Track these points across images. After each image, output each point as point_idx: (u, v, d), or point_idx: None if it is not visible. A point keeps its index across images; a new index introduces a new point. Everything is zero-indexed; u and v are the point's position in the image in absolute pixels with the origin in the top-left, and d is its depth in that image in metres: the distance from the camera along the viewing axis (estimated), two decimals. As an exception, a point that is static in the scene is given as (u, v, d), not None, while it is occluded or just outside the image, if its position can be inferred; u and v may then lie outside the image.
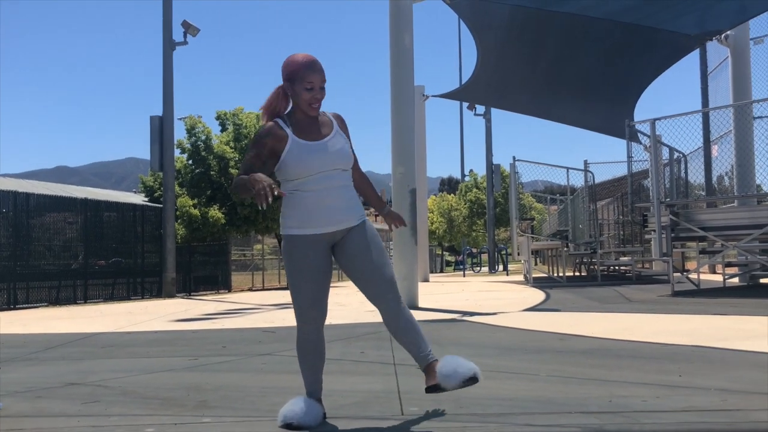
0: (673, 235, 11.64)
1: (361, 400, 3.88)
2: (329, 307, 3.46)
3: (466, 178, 49.58)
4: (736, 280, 14.15)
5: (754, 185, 13.65)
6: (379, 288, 3.32)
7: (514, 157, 17.31)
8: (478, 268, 34.22)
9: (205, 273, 23.75)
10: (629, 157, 13.55)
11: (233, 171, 23.28)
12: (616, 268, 20.13)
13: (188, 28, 19.86)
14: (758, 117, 13.66)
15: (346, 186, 3.35)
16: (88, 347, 7.07)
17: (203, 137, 24.39)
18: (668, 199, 12.16)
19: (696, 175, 14.58)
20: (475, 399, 3.80)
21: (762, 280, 13.84)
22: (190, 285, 22.51)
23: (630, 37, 15.57)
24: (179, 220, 22.02)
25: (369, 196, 3.67)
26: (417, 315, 9.55)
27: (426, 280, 21.95)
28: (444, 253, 57.75)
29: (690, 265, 17.73)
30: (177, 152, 22.45)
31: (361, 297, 3.58)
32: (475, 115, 33.26)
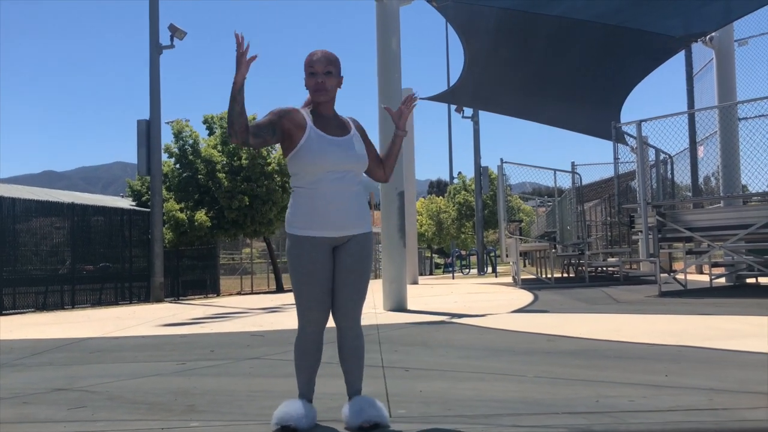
0: (660, 235, 11.70)
1: (349, 403, 3.87)
2: None
3: (455, 181, 49.69)
4: (722, 280, 14.25)
5: (740, 186, 13.75)
6: (343, 308, 3.34)
7: (501, 159, 17.36)
8: (467, 270, 34.24)
9: (193, 277, 23.68)
10: (616, 158, 13.60)
11: (221, 175, 23.24)
12: (604, 269, 20.22)
13: (175, 32, 19.81)
14: (743, 118, 13.74)
15: (357, 193, 3.35)
16: (76, 352, 7.03)
17: (190, 141, 24.32)
18: (655, 200, 12.22)
19: (682, 176, 14.68)
20: (462, 401, 3.81)
21: (748, 280, 13.93)
22: (179, 289, 22.43)
23: (616, 40, 15.65)
24: (166, 225, 21.93)
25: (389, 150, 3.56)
26: (406, 317, 9.56)
27: (415, 282, 21.95)
28: (433, 255, 57.82)
29: (677, 265, 17.81)
30: (164, 156, 22.37)
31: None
32: (463, 117, 33.31)
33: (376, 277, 24.66)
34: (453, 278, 27.97)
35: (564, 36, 15.88)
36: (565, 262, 21.22)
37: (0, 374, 5.51)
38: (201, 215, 22.82)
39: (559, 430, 3.18)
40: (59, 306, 17.30)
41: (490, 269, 31.03)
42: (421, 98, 24.12)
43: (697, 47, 17.30)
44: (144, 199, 24.10)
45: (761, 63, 17.24)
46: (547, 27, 15.41)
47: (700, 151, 15.54)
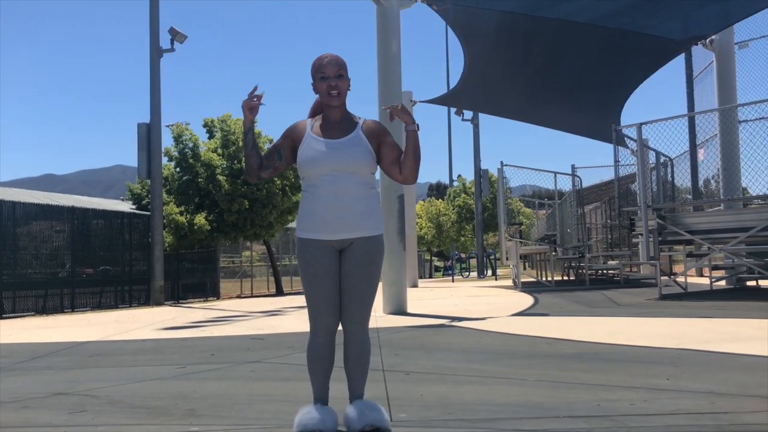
0: (660, 238, 11.69)
1: (349, 407, 3.86)
2: None
3: (455, 184, 49.67)
4: (722, 282, 14.24)
5: (740, 189, 13.75)
6: (347, 312, 3.30)
7: (501, 162, 17.38)
8: (467, 273, 34.25)
9: (193, 280, 23.66)
10: (616, 161, 13.62)
11: (221, 178, 23.23)
12: (604, 272, 20.21)
13: (175, 35, 19.82)
14: (743, 121, 13.74)
15: (360, 195, 3.28)
16: (76, 356, 7.02)
17: (190, 145, 24.31)
18: (655, 203, 12.22)
19: (682, 179, 14.68)
20: (463, 404, 3.80)
21: (748, 283, 13.93)
22: (179, 293, 22.41)
23: (616, 42, 15.64)
24: (166, 228, 21.93)
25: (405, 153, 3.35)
26: (406, 321, 9.53)
27: (415, 285, 21.95)
28: (433, 258, 57.80)
29: (677, 268, 17.81)
30: (164, 160, 22.37)
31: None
32: (463, 120, 33.30)
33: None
34: (453, 281, 27.96)
35: (564, 39, 15.88)
36: (566, 265, 21.21)
37: (0, 378, 5.50)
38: (201, 219, 22.80)
39: (559, 434, 3.17)
40: (59, 309, 17.29)
41: (490, 272, 31.04)
42: (420, 101, 24.29)
43: (698, 50, 17.32)
44: (144, 202, 24.08)
45: (762, 66, 17.26)
46: (547, 30, 15.41)
47: (701, 153, 15.54)
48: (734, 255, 12.57)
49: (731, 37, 16.39)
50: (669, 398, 3.78)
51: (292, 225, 29.28)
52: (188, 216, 22.84)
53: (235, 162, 23.61)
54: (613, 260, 20.14)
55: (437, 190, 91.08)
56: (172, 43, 19.93)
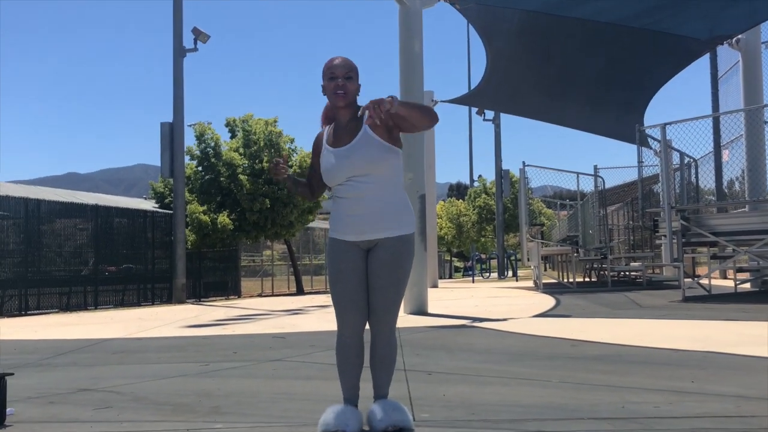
0: (683, 240, 11.59)
1: (372, 406, 3.86)
2: None
3: (475, 184, 49.53)
4: (747, 285, 14.07)
5: (766, 190, 13.58)
6: (374, 312, 3.29)
7: (524, 162, 17.30)
8: (488, 274, 34.15)
9: (214, 279, 23.80)
10: (640, 161, 13.50)
11: (242, 177, 23.35)
12: (627, 273, 20.05)
13: (198, 35, 19.95)
14: (770, 121, 13.59)
15: (382, 196, 3.24)
16: (99, 353, 7.09)
17: (212, 144, 24.47)
18: (679, 204, 12.10)
19: (706, 180, 14.52)
20: (486, 405, 3.79)
21: (774, 286, 13.74)
22: (200, 291, 22.56)
23: (640, 42, 15.52)
24: (189, 227, 22.08)
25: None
26: (427, 321, 9.53)
27: (435, 286, 21.92)
28: (453, 259, 57.67)
29: (701, 270, 17.64)
30: (186, 159, 22.52)
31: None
32: (484, 120, 33.19)
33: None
34: (473, 282, 27.89)
35: (588, 38, 15.79)
36: (587, 266, 21.07)
37: (26, 374, 5.57)
38: (224, 218, 22.95)
39: (584, 436, 3.15)
40: (82, 307, 17.46)
41: (510, 273, 30.91)
42: (442, 101, 24.24)
43: (723, 49, 17.11)
44: (167, 201, 24.27)
45: (789, 66, 17.01)
46: (570, 29, 15.33)
47: (725, 154, 15.38)
48: (759, 257, 12.41)
49: (758, 37, 16.17)
50: (695, 401, 3.74)
51: (313, 225, 29.39)
52: (211, 215, 22.99)
53: (256, 161, 23.73)
54: (635, 262, 19.97)
55: (457, 191, 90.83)
56: (195, 42, 20.07)
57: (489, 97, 22.14)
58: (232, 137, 25.22)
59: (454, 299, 14.59)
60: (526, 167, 17.37)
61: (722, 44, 16.26)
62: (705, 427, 3.21)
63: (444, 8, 14.05)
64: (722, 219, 12.39)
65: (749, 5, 13.93)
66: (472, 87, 23.51)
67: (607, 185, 20.14)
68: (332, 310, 3.39)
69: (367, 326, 3.34)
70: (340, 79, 3.27)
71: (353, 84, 3.30)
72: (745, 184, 14.21)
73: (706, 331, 7.03)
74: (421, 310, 10.66)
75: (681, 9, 13.81)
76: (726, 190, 15.07)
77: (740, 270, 14.22)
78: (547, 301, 12.32)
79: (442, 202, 54.20)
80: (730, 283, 14.14)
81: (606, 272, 17.88)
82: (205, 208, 23.19)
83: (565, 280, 19.21)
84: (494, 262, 35.36)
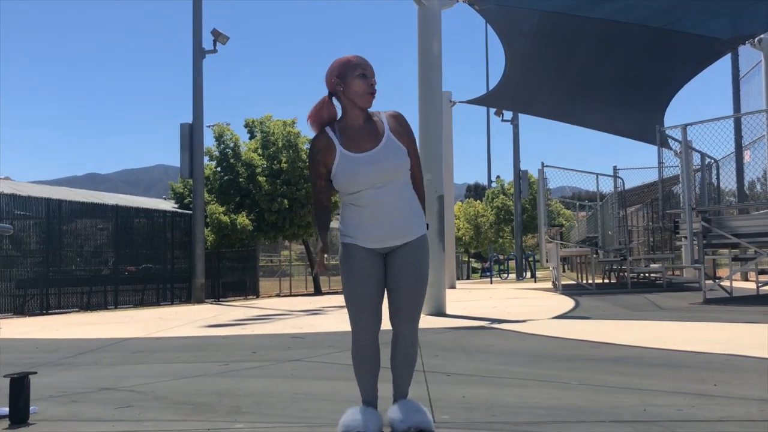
0: (704, 241, 11.48)
1: (392, 407, 3.86)
2: None
3: (493, 185, 49.37)
4: (769, 287, 13.90)
5: (788, 191, 13.42)
6: (401, 313, 3.26)
7: (542, 163, 17.19)
8: (506, 275, 34.01)
9: (233, 279, 23.93)
10: (660, 162, 13.39)
11: (261, 178, 23.45)
12: (646, 275, 19.90)
13: (218, 36, 20.06)
14: (793, 122, 13.40)
15: (402, 198, 3.19)
16: (120, 352, 7.15)
17: (231, 145, 24.60)
18: (700, 206, 11.99)
19: (728, 181, 14.37)
20: (506, 407, 3.78)
21: (797, 288, 13.57)
22: (219, 291, 22.69)
23: (661, 42, 15.41)
24: (209, 227, 22.21)
25: None
26: (445, 322, 9.51)
27: (453, 286, 21.87)
28: (470, 259, 57.52)
29: (722, 272, 17.45)
30: (206, 159, 22.66)
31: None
32: (503, 121, 33.11)
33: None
34: (491, 283, 27.80)
35: (608, 38, 15.70)
36: (607, 267, 20.93)
37: (48, 373, 5.62)
38: (243, 218, 23.07)
39: (605, 439, 3.13)
40: (102, 306, 17.62)
41: (528, 274, 30.78)
42: (460, 102, 24.19)
43: (745, 49, 16.95)
44: (186, 201, 24.43)
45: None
46: (590, 29, 15.25)
47: (747, 155, 15.21)
48: (782, 259, 12.28)
49: (781, 37, 16.02)
50: (718, 404, 3.71)
51: (331, 225, 29.41)
52: (230, 215, 23.12)
53: (275, 162, 23.82)
54: (655, 263, 19.82)
55: (475, 191, 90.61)
56: (214, 44, 20.17)
57: (507, 97, 22.08)
58: (251, 138, 25.35)
59: (473, 300, 14.54)
60: (545, 168, 17.27)
61: (744, 44, 16.12)
62: (728, 430, 3.18)
63: (462, 8, 14.02)
64: (744, 220, 12.25)
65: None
66: (491, 87, 23.47)
67: (627, 186, 20.00)
68: (351, 311, 3.37)
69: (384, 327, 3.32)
70: (372, 78, 3.17)
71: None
72: (767, 185, 14.05)
73: (728, 333, 6.96)
74: (439, 311, 10.64)
75: (702, 8, 13.69)
76: (747, 191, 14.91)
77: (762, 272, 14.06)
78: (566, 303, 12.26)
79: (460, 203, 54.05)
80: (752, 286, 13.98)
81: (625, 274, 17.76)
82: (224, 208, 23.32)
83: (584, 282, 19.09)
84: (512, 263, 35.22)
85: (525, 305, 12.31)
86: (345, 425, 3.17)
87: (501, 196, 46.37)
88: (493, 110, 34.53)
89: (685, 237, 11.74)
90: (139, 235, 20.04)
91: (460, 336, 7.69)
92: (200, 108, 20.06)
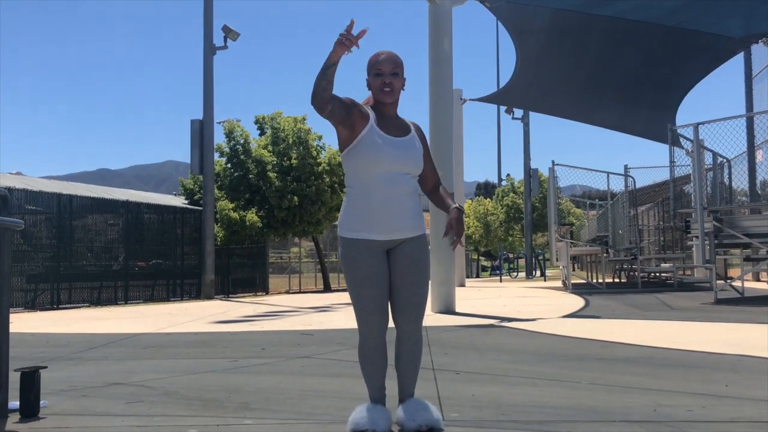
0: (716, 241, 11.42)
1: (401, 405, 3.85)
2: None
3: (503, 183, 49.25)
4: (781, 288, 13.83)
5: (801, 191, 13.31)
6: (405, 311, 3.27)
7: (553, 162, 17.13)
8: (515, 274, 33.96)
9: (243, 275, 23.97)
10: (672, 161, 13.32)
11: (271, 175, 23.48)
12: (657, 274, 19.82)
13: (229, 33, 20.09)
14: (806, 121, 13.29)
15: (411, 195, 3.28)
16: (130, 347, 7.17)
17: (241, 141, 24.64)
18: (711, 205, 11.93)
19: (740, 181, 14.28)
20: (516, 406, 3.77)
21: (809, 289, 13.49)
22: (228, 287, 22.74)
23: (673, 41, 15.33)
24: (219, 223, 22.26)
25: (443, 205, 3.44)
26: (455, 320, 9.50)
27: (462, 285, 21.85)
28: (480, 258, 57.44)
29: (733, 272, 17.36)
30: (216, 156, 22.71)
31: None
32: (513, 119, 33.04)
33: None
34: (501, 281, 27.77)
35: (619, 37, 15.63)
36: (617, 266, 20.86)
37: (59, 367, 5.65)
38: (252, 215, 23.11)
39: (616, 439, 3.11)
40: (113, 301, 17.69)
41: (538, 273, 30.72)
42: (470, 99, 24.14)
43: (758, 48, 16.83)
44: (196, 197, 24.49)
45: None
46: (602, 28, 15.19)
47: (759, 154, 15.11)
48: (794, 260, 12.20)
49: (794, 35, 15.88)
50: (729, 405, 3.69)
51: (331, 225, 29.44)
52: (240, 212, 23.16)
53: (285, 159, 23.84)
54: (666, 263, 19.73)
55: (485, 189, 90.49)
56: (225, 40, 20.21)
57: (518, 95, 22.02)
58: (261, 134, 25.38)
59: (482, 298, 14.52)
60: (555, 166, 17.21)
61: (757, 43, 16.00)
62: (740, 431, 3.16)
63: (473, 6, 13.99)
64: (756, 220, 12.17)
65: (786, 3, 13.69)
66: (501, 85, 23.40)
67: (638, 185, 19.92)
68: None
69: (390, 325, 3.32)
70: (387, 76, 3.23)
71: (399, 80, 3.27)
72: (780, 185, 13.95)
73: (740, 334, 6.92)
74: (449, 309, 10.63)
75: (715, 7, 13.60)
76: (759, 191, 14.81)
77: (774, 272, 13.98)
78: (576, 302, 12.22)
79: (470, 201, 53.97)
80: (763, 286, 13.91)
81: (636, 273, 17.69)
82: (234, 205, 23.36)
83: (594, 281, 19.03)
84: (522, 262, 35.16)
85: (535, 304, 12.28)
86: (354, 423, 3.17)
87: (511, 194, 46.25)
88: (503, 108, 34.45)
89: (697, 236, 11.68)
90: (150, 230, 20.09)
91: (469, 334, 7.68)
92: (210, 104, 20.11)
